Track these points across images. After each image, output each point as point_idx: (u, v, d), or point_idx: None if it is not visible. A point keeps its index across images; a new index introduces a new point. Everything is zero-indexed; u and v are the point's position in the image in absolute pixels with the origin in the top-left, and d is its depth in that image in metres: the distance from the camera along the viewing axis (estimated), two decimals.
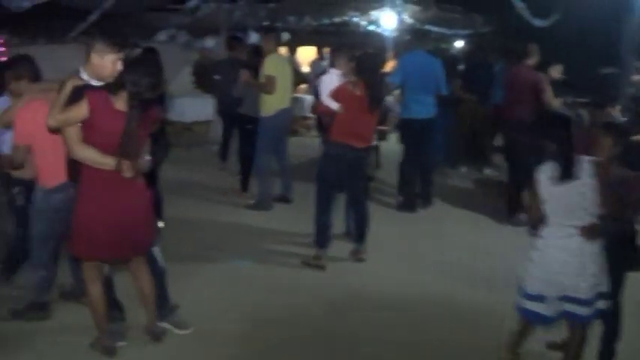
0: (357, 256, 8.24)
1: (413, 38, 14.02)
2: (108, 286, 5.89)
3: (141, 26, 17.00)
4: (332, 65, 8.96)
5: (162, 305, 6.10)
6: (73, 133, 5.15)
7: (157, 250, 6.03)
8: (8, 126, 6.04)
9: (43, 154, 5.92)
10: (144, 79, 5.09)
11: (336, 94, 7.78)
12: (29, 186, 6.24)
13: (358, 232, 8.32)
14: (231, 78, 11.13)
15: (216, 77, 12.43)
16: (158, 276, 6.05)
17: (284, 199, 10.65)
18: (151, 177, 5.89)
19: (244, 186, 11.03)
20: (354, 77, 7.77)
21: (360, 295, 7.21)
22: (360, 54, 8.17)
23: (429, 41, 12.96)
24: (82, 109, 5.06)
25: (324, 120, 8.37)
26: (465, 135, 13.49)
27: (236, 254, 8.30)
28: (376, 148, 11.79)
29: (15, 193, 6.45)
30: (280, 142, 10.44)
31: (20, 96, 6.01)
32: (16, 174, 6.32)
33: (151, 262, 5.94)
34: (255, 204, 10.41)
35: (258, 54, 10.91)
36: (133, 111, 5.09)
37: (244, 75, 10.39)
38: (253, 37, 17.12)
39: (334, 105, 7.80)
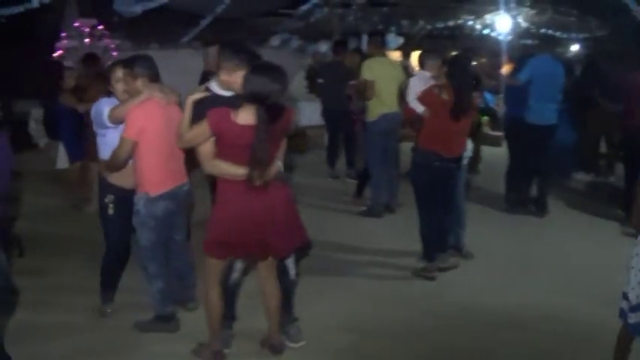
0: (440, 266, 7.74)
1: (542, 43, 13.58)
2: (232, 293, 5.80)
3: (253, 31, 17.05)
4: (421, 67, 8.67)
5: (282, 315, 5.88)
6: (204, 149, 5.10)
7: (289, 261, 5.83)
8: (118, 122, 5.87)
9: (149, 158, 5.80)
10: (269, 87, 4.94)
11: (422, 98, 7.42)
12: (122, 194, 6.12)
13: (453, 242, 8.02)
14: (334, 82, 10.96)
15: (320, 81, 12.31)
16: (287, 288, 5.87)
17: (388, 208, 10.29)
18: None
19: (359, 192, 10.75)
20: (443, 81, 7.38)
21: (472, 309, 6.81)
22: (451, 57, 7.79)
23: (555, 46, 12.55)
24: (204, 131, 5.01)
25: (413, 125, 7.97)
26: (591, 140, 12.98)
27: (345, 264, 8.05)
28: (475, 155, 11.31)
29: (107, 202, 6.22)
30: (388, 148, 10.14)
31: (136, 95, 5.86)
32: (111, 180, 6.17)
33: (283, 273, 5.76)
34: (366, 211, 10.17)
35: (363, 58, 10.74)
36: (260, 121, 4.93)
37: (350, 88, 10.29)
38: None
39: (420, 108, 7.47)
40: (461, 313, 6.74)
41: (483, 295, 7.19)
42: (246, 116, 4.95)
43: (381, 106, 9.87)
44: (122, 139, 5.76)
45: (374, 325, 6.45)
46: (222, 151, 5.05)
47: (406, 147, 10.45)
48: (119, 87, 6.11)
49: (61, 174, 11.10)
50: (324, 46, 17.98)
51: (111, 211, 6.20)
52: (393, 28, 18.34)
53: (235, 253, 5.38)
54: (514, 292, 7.27)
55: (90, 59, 10.88)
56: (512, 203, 10.42)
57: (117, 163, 5.90)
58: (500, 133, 13.61)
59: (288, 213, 5.28)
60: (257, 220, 5.12)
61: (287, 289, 5.89)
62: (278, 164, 5.26)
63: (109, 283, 6.58)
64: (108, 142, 6.08)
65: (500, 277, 7.72)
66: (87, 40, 16.36)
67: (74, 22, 16.54)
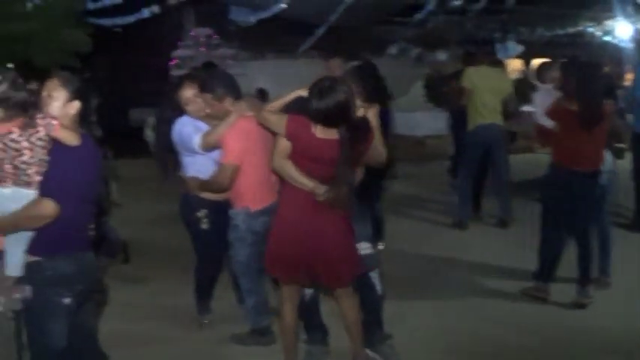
0: (578, 302, 6.99)
1: None
2: (312, 307, 5.60)
3: (369, 40, 16.88)
4: (540, 80, 8.32)
5: (373, 332, 5.64)
6: (282, 145, 4.93)
7: (374, 275, 5.59)
8: (213, 147, 5.75)
9: (249, 176, 5.64)
10: (324, 104, 4.76)
11: (550, 112, 6.96)
12: (215, 208, 5.98)
13: (580, 271, 7.06)
14: None
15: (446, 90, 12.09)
16: (374, 302, 5.62)
17: (501, 222, 9.89)
18: (367, 195, 5.52)
19: (474, 205, 10.35)
20: (564, 90, 6.87)
21: (591, 334, 6.33)
22: (571, 63, 7.25)
23: None
24: (280, 127, 4.90)
25: (543, 141, 7.51)
26: None
27: (447, 279, 7.75)
28: None
29: (200, 217, 6.08)
30: (494, 160, 9.82)
31: (222, 117, 5.68)
32: (204, 195, 6.01)
33: (368, 287, 5.52)
34: (453, 223, 9.93)
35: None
36: (343, 139, 4.77)
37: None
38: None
39: (549, 123, 7.02)
40: (570, 338, 6.28)
41: (599, 320, 6.63)
42: (325, 131, 4.79)
43: (477, 116, 9.63)
44: (223, 166, 5.62)
45: (475, 346, 6.10)
46: (293, 157, 4.89)
47: (519, 159, 10.11)
48: (190, 108, 5.95)
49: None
50: (442, 55, 17.72)
51: (205, 226, 6.07)
52: (511, 36, 17.91)
53: (284, 276, 5.18)
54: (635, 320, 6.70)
55: (207, 68, 10.86)
56: None
57: (220, 189, 5.78)
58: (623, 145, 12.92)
59: (339, 244, 5.02)
60: (311, 242, 4.94)
61: (374, 306, 5.64)
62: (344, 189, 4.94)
63: (203, 294, 6.51)
64: (196, 162, 5.96)
65: (625, 301, 7.12)
66: (202, 49, 16.47)
67: (190, 32, 16.70)
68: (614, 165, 7.44)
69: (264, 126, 5.17)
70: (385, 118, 6.25)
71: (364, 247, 5.40)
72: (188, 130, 5.87)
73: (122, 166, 12.47)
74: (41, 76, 4.24)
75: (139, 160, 14.37)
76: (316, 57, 15.90)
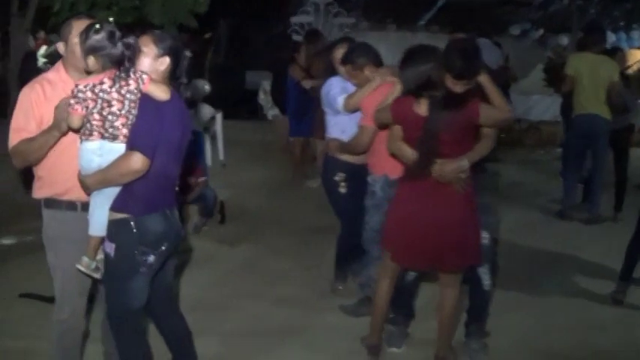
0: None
1: None
2: (411, 289, 5.56)
3: (490, 19, 16.65)
4: None
5: (471, 326, 5.50)
6: (395, 128, 4.93)
7: (483, 270, 5.37)
8: (354, 110, 5.81)
9: None
10: (415, 77, 4.76)
11: None
12: (352, 171, 5.97)
13: None
14: None
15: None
16: (481, 299, 5.47)
17: (587, 220, 9.33)
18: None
19: (584, 197, 9.89)
20: None
21: None
22: None
23: None
24: (386, 115, 4.96)
25: None
26: None
27: (542, 275, 7.37)
28: None
29: (338, 180, 6.06)
30: (593, 153, 9.42)
31: (364, 84, 5.75)
32: (344, 157, 6.02)
33: (476, 282, 5.39)
34: (556, 213, 9.62)
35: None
36: (431, 111, 4.69)
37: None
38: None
39: None
40: None
41: None
42: (424, 106, 4.74)
43: (578, 105, 9.25)
44: (363, 128, 5.67)
45: (563, 351, 5.72)
46: (406, 139, 4.85)
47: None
48: (342, 69, 6.02)
49: (286, 147, 11.28)
50: (565, 39, 17.30)
51: (343, 190, 6.08)
52: (635, 26, 17.34)
53: (400, 258, 5.06)
54: None
55: (311, 36, 10.91)
56: None
57: (359, 150, 5.82)
58: None
59: (464, 224, 4.86)
60: (425, 227, 4.81)
61: (480, 300, 5.49)
62: (462, 163, 4.77)
63: (344, 261, 6.45)
64: (339, 122, 6.05)
65: None
66: (321, 16, 16.52)
67: None
68: None
69: None
70: None
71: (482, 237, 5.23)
72: (336, 90, 5.98)
73: (233, 127, 12.70)
74: None
75: (250, 123, 14.62)
76: (437, 32, 15.79)
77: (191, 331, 4.45)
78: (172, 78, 4.04)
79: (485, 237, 5.21)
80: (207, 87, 11.50)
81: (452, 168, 4.71)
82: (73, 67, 4.03)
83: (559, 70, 14.89)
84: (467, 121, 4.73)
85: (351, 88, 5.93)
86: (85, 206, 4.00)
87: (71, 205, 4.08)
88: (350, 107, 5.82)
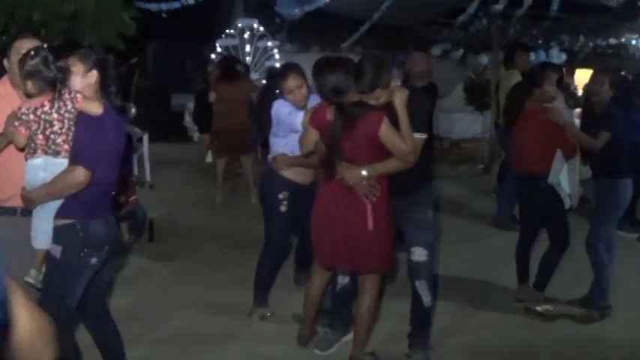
0: None
1: None
2: (340, 295, 5.62)
3: (414, 39, 16.94)
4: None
5: (413, 341, 5.49)
6: (311, 133, 5.13)
7: (421, 286, 5.36)
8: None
9: None
10: (329, 83, 4.89)
11: None
12: (299, 191, 5.99)
13: None
14: None
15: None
16: (420, 314, 5.47)
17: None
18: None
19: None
20: None
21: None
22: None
23: None
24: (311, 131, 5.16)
25: None
26: None
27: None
28: None
29: (281, 199, 6.05)
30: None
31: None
32: (289, 175, 6.05)
33: (415, 297, 5.41)
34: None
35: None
36: (334, 117, 4.88)
37: None
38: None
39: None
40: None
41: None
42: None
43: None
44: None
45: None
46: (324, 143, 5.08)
47: None
48: (292, 98, 5.92)
49: (210, 167, 11.41)
50: (485, 59, 17.68)
51: (284, 208, 6.07)
52: (553, 44, 17.81)
53: (318, 255, 5.24)
54: None
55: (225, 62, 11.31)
56: None
57: (303, 151, 5.59)
58: None
59: (365, 230, 4.92)
60: (331, 227, 4.99)
61: (420, 316, 5.50)
62: (360, 172, 4.86)
63: (267, 283, 6.35)
64: (284, 142, 6.06)
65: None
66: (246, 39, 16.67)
67: (237, 22, 16.89)
68: None
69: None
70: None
71: (418, 254, 5.28)
72: (287, 109, 5.98)
73: (160, 149, 12.74)
74: None
75: (176, 145, 14.67)
76: (361, 53, 15.99)
77: (121, 336, 4.58)
78: (102, 88, 4.25)
79: (421, 253, 5.28)
80: (132, 110, 11.56)
81: (350, 174, 4.85)
82: (14, 83, 4.37)
83: (478, 88, 15.36)
84: (365, 131, 4.83)
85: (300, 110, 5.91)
86: (24, 212, 4.24)
87: (11, 210, 4.32)
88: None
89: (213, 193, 10.72)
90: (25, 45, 4.23)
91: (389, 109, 4.86)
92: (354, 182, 4.85)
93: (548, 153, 6.27)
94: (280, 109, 6.05)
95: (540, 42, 17.48)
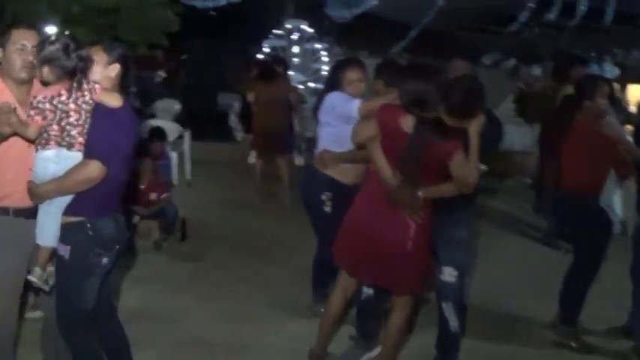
0: None
1: None
2: (366, 308, 5.44)
3: (463, 46, 16.75)
4: None
5: None
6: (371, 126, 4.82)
7: (448, 310, 5.25)
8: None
9: None
10: (414, 92, 4.59)
11: None
12: (341, 191, 5.79)
13: None
14: None
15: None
16: (446, 339, 5.34)
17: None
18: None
19: None
20: None
21: None
22: None
23: None
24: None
25: None
26: None
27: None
28: None
29: (324, 199, 5.94)
30: None
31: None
32: (330, 174, 5.91)
33: (442, 322, 5.29)
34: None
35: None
36: (416, 132, 4.57)
37: None
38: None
39: None
40: None
41: None
42: (410, 123, 4.60)
43: None
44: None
45: None
46: (383, 146, 4.72)
47: None
48: (351, 89, 5.86)
49: (252, 167, 11.32)
50: (537, 70, 17.37)
51: (328, 209, 5.95)
52: (606, 57, 17.43)
53: (348, 266, 4.99)
54: None
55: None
56: None
57: (355, 141, 5.39)
58: None
59: (400, 249, 4.70)
60: (365, 237, 4.75)
61: (447, 341, 5.36)
62: (417, 193, 4.65)
63: (322, 281, 6.27)
64: (334, 133, 5.89)
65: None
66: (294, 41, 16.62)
67: (285, 23, 16.85)
68: None
69: None
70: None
71: (448, 273, 5.17)
72: (343, 98, 5.84)
73: (203, 148, 12.69)
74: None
75: (220, 144, 14.60)
76: (409, 59, 15.84)
77: (129, 340, 4.46)
78: (122, 87, 4.11)
79: (452, 274, 5.16)
80: (177, 106, 11.53)
81: (405, 193, 4.62)
82: (7, 75, 4.08)
83: (529, 100, 15.06)
84: (440, 155, 4.58)
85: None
86: (17, 212, 4.07)
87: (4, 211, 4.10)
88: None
89: (251, 194, 10.65)
90: (22, 34, 4.02)
91: (463, 133, 4.63)
92: (406, 201, 4.63)
93: (599, 171, 6.03)
94: (338, 96, 5.87)
95: (593, 55, 17.10)
